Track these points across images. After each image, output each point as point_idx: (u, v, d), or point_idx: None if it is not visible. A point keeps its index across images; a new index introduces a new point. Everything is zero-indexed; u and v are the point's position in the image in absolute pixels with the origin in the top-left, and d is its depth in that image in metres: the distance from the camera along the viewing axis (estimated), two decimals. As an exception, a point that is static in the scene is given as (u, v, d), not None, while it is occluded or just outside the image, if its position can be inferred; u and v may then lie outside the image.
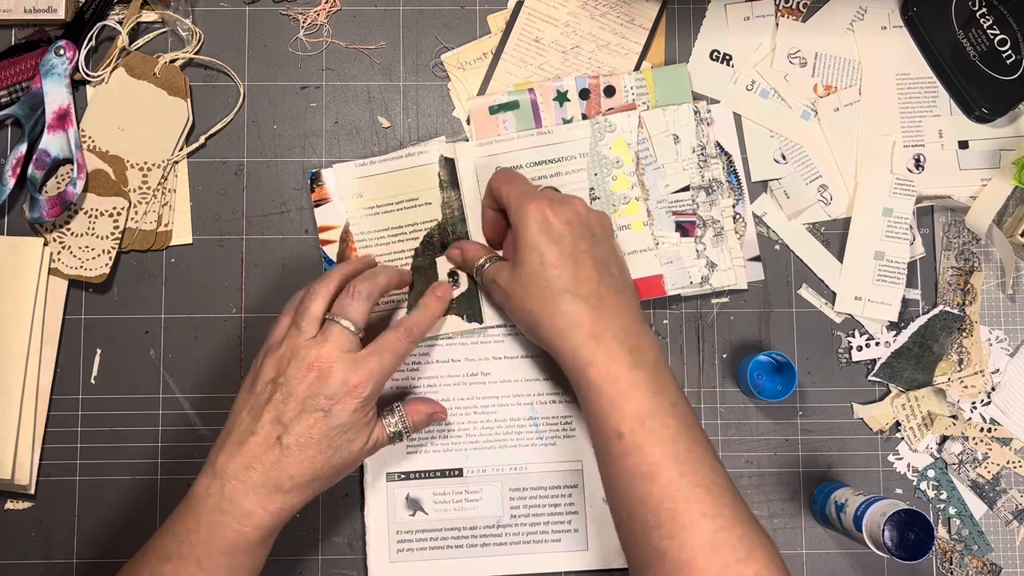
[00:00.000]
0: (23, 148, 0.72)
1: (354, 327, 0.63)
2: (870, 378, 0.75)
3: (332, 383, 0.61)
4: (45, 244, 0.73)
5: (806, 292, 0.76)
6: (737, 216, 0.76)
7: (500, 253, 0.71)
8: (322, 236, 0.74)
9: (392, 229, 0.74)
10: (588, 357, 0.62)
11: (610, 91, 0.75)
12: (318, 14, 0.77)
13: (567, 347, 0.62)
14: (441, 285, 0.71)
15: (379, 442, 0.65)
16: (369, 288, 0.65)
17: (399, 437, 0.67)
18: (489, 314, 0.74)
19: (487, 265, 0.69)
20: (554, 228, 0.64)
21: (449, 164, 0.74)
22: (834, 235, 0.76)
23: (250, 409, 0.62)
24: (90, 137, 0.74)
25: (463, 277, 0.74)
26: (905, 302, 0.76)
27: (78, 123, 0.74)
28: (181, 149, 0.75)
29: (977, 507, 0.75)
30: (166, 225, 0.75)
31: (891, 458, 0.75)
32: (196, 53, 0.76)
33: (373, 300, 0.65)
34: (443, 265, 0.74)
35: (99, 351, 0.74)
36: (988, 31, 0.75)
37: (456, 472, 0.74)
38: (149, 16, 0.75)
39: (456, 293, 0.73)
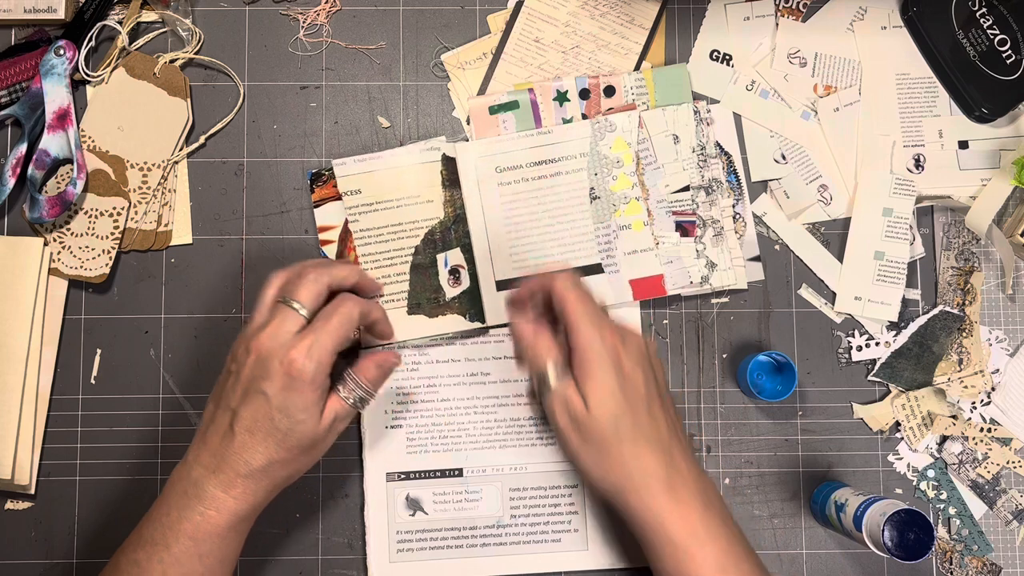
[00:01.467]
0: (23, 148, 0.72)
1: (303, 309, 0.61)
2: (870, 378, 0.75)
3: (270, 366, 0.59)
4: (45, 244, 0.73)
5: (806, 292, 0.76)
6: (737, 216, 0.76)
7: (556, 357, 0.63)
8: (322, 236, 0.74)
9: (392, 226, 0.74)
10: (665, 512, 0.60)
11: (610, 91, 0.75)
12: (318, 14, 0.77)
13: (640, 502, 0.60)
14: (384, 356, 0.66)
15: (338, 417, 0.62)
16: (319, 271, 0.62)
17: (362, 403, 0.64)
18: (491, 314, 0.74)
19: (556, 383, 0.62)
20: (624, 370, 0.61)
21: (451, 163, 0.74)
22: (834, 235, 0.77)
23: (213, 398, 0.63)
24: (90, 137, 0.74)
25: (464, 274, 0.74)
26: (905, 302, 0.76)
27: (78, 123, 0.74)
28: (181, 149, 0.75)
29: (977, 507, 0.75)
30: (166, 225, 0.75)
31: (891, 458, 0.75)
32: (196, 53, 0.76)
33: (323, 284, 0.62)
34: (443, 263, 0.74)
35: (99, 351, 0.74)
36: (988, 31, 0.75)
37: (456, 472, 0.74)
38: (149, 16, 0.75)
39: (458, 291, 0.73)
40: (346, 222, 0.74)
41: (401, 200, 0.74)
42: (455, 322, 0.73)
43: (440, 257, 0.74)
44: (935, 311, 0.75)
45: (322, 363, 0.60)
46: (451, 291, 0.74)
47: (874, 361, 0.75)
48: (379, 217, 0.74)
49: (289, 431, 0.60)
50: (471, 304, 0.74)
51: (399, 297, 0.73)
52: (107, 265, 0.73)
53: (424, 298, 0.73)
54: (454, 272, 0.74)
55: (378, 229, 0.74)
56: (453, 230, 0.74)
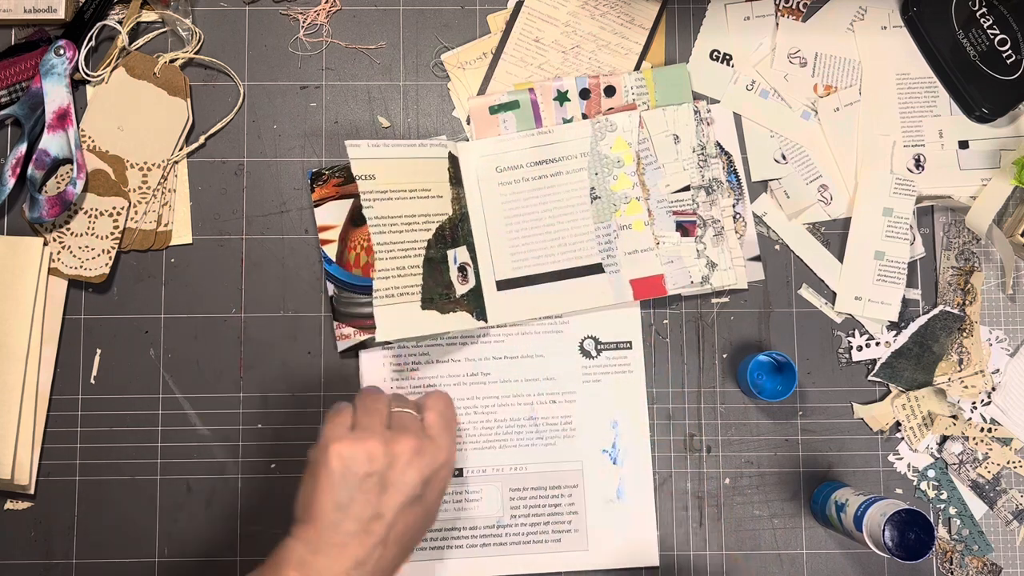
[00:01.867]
0: (23, 148, 0.72)
1: (416, 412, 0.64)
2: (870, 378, 0.75)
3: (425, 469, 0.60)
4: (45, 244, 0.73)
5: (806, 292, 0.76)
6: (737, 216, 0.76)
7: None
8: (322, 236, 0.74)
9: (405, 217, 0.73)
10: None
11: (610, 91, 0.75)
12: (318, 14, 0.77)
13: None
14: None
15: None
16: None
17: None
18: (492, 313, 0.74)
19: None
20: None
21: (457, 161, 0.74)
22: (834, 235, 0.76)
23: (342, 507, 0.59)
24: (90, 137, 0.74)
25: (471, 272, 0.74)
26: (905, 302, 0.76)
27: (78, 123, 0.74)
28: (181, 149, 0.75)
29: (977, 507, 0.75)
30: (166, 225, 0.75)
31: (891, 458, 0.75)
32: (196, 53, 0.76)
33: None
34: (453, 260, 0.73)
35: (99, 351, 0.74)
36: (988, 31, 0.75)
37: (456, 472, 0.74)
38: (149, 16, 0.75)
39: (466, 288, 0.73)
40: (347, 220, 0.74)
41: (414, 192, 0.73)
42: (464, 319, 0.73)
43: (450, 253, 0.73)
44: (935, 311, 0.75)
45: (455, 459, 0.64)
46: (460, 288, 0.73)
47: (874, 361, 0.75)
48: (393, 206, 0.72)
49: (428, 521, 0.63)
50: (477, 302, 0.73)
51: (413, 290, 0.72)
52: (107, 265, 0.73)
53: (436, 293, 0.72)
54: (462, 269, 0.73)
55: (392, 218, 0.72)
56: (460, 227, 0.74)
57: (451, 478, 0.64)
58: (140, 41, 0.75)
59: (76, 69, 0.73)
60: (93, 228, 0.73)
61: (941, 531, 0.75)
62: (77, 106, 0.74)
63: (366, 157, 0.71)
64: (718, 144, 0.76)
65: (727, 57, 0.77)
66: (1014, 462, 0.75)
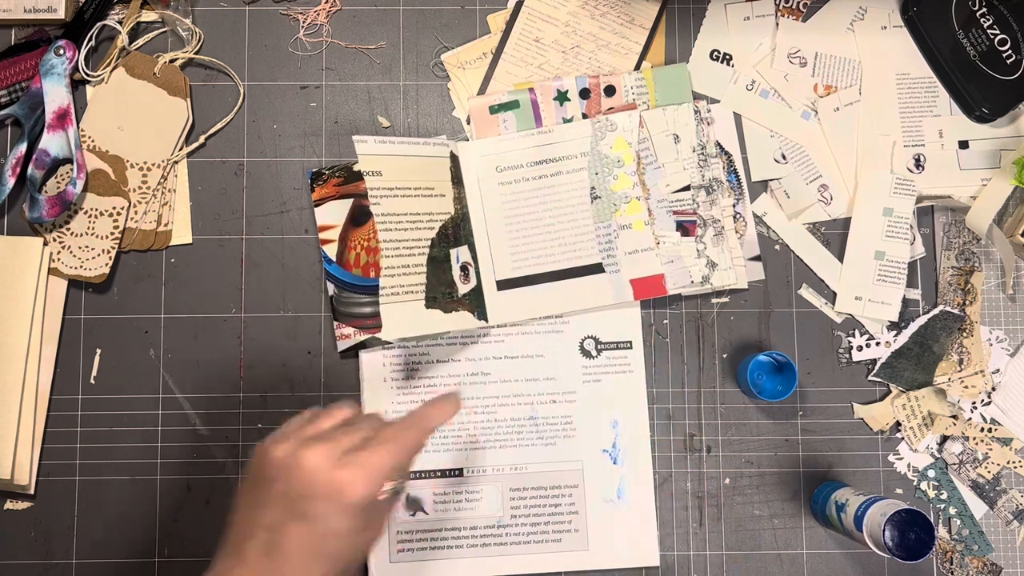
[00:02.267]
0: (23, 148, 0.72)
1: (360, 438, 0.54)
2: (870, 378, 0.75)
3: (317, 486, 0.52)
4: (45, 244, 0.73)
5: (806, 292, 0.76)
6: (737, 216, 0.76)
7: None
8: (322, 236, 0.74)
9: (410, 215, 0.73)
10: None
11: (610, 91, 0.75)
12: (318, 14, 0.77)
13: None
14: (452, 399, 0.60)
15: (384, 515, 0.58)
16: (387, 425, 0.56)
17: (399, 493, 0.59)
18: (492, 313, 0.74)
19: None
20: None
21: (458, 161, 0.74)
22: (834, 235, 0.76)
23: (247, 507, 0.55)
24: (90, 137, 0.74)
25: (472, 271, 0.74)
26: (905, 302, 0.76)
27: (78, 123, 0.74)
28: (181, 149, 0.75)
29: (977, 507, 0.75)
30: (166, 225, 0.75)
31: (891, 458, 0.75)
32: (196, 53, 0.76)
33: (394, 439, 0.55)
34: (455, 259, 0.73)
35: (99, 351, 0.74)
36: (988, 31, 0.75)
37: (456, 472, 0.74)
38: (149, 16, 0.75)
39: (468, 288, 0.73)
40: (347, 220, 0.74)
41: (418, 190, 0.73)
42: (466, 319, 0.73)
43: (453, 252, 0.73)
44: (935, 311, 0.75)
45: (376, 488, 0.53)
46: (462, 287, 0.73)
47: (874, 361, 0.75)
48: (399, 203, 0.72)
49: (339, 553, 0.53)
50: (479, 302, 0.73)
51: (417, 289, 0.73)
52: (107, 265, 0.73)
53: (440, 292, 0.72)
54: (464, 269, 0.74)
55: (398, 216, 0.72)
56: (462, 227, 0.74)
57: (348, 507, 0.52)
58: (140, 41, 0.75)
59: (76, 69, 0.73)
60: (93, 228, 0.73)
61: (941, 531, 0.75)
62: (77, 106, 0.74)
63: (373, 153, 0.72)
64: (718, 144, 0.76)
65: (727, 57, 0.77)
66: (1014, 462, 0.75)
